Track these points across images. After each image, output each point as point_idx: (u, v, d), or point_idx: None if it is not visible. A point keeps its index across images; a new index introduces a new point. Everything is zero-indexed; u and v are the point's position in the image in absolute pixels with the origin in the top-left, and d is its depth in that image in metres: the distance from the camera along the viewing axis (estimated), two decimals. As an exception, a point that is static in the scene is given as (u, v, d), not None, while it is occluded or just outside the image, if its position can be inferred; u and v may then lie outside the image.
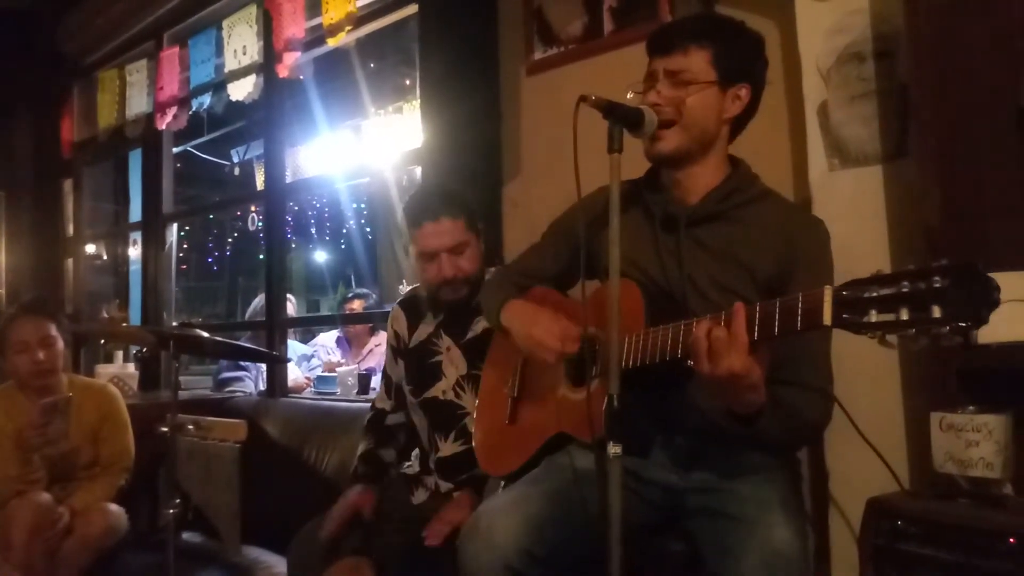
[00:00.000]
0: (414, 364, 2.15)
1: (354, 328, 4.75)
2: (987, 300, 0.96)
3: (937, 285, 0.99)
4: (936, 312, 0.98)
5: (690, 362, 1.32)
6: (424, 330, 2.15)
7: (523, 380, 1.79)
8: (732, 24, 1.59)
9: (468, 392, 2.03)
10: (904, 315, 1.01)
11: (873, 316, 1.04)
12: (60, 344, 2.81)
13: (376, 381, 3.67)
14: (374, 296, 5.30)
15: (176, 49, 4.19)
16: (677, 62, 1.52)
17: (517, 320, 1.65)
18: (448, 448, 2.03)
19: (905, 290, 1.02)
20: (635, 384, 1.35)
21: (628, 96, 1.52)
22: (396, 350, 2.22)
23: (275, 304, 3.76)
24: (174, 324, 4.25)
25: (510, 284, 1.82)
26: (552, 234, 1.85)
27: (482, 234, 2.05)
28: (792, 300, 1.17)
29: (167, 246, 4.48)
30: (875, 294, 1.05)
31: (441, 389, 2.07)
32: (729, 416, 1.34)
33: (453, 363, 2.07)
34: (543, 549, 1.43)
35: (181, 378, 2.46)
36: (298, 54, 3.49)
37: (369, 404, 2.36)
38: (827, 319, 1.10)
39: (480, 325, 2.03)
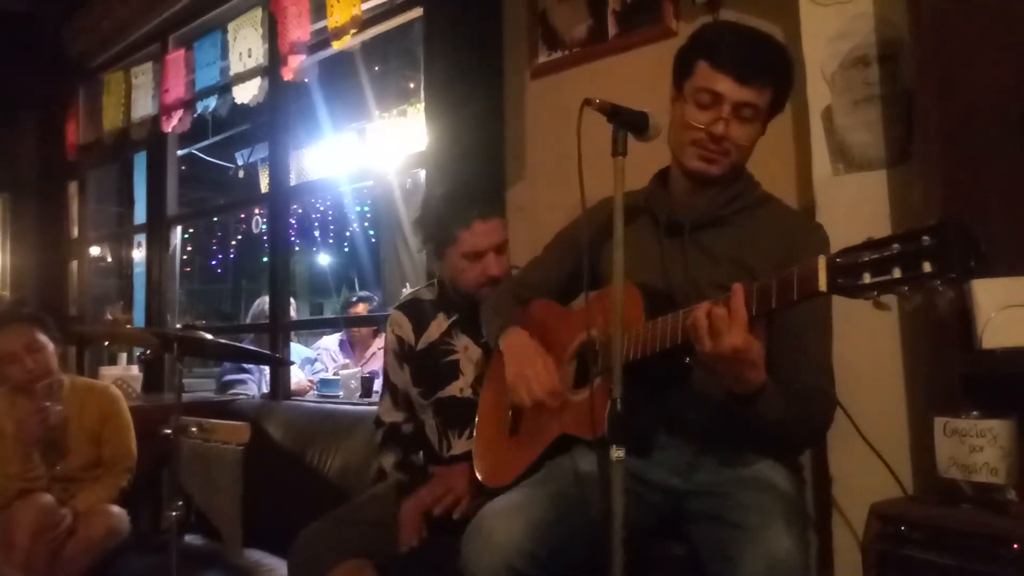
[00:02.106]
0: (424, 366, 2.14)
1: (358, 331, 4.75)
2: (974, 251, 1.00)
3: (926, 243, 1.02)
4: (927, 267, 1.02)
5: (688, 359, 1.34)
6: (435, 330, 2.14)
7: None
8: (790, 59, 1.59)
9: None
10: (897, 274, 1.05)
11: (867, 278, 1.08)
12: (49, 347, 2.80)
13: (378, 384, 3.67)
14: (377, 299, 5.30)
15: (181, 52, 4.20)
16: (751, 95, 1.51)
17: (513, 353, 1.70)
18: (461, 446, 2.03)
19: (896, 251, 1.05)
20: (638, 385, 1.36)
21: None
22: (400, 355, 2.19)
23: (279, 307, 3.77)
24: (178, 326, 4.26)
25: (512, 299, 1.85)
26: (555, 247, 1.88)
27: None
28: (788, 273, 1.21)
29: (171, 248, 4.49)
30: (868, 258, 1.09)
31: (459, 387, 2.06)
32: (731, 398, 1.37)
33: (472, 361, 2.06)
34: (545, 550, 1.43)
35: (184, 380, 2.46)
36: (303, 57, 3.49)
37: (372, 406, 2.35)
38: (823, 285, 1.14)
39: None
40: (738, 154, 1.56)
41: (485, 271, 1.99)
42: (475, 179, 2.61)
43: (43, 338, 2.79)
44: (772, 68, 1.53)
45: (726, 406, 1.39)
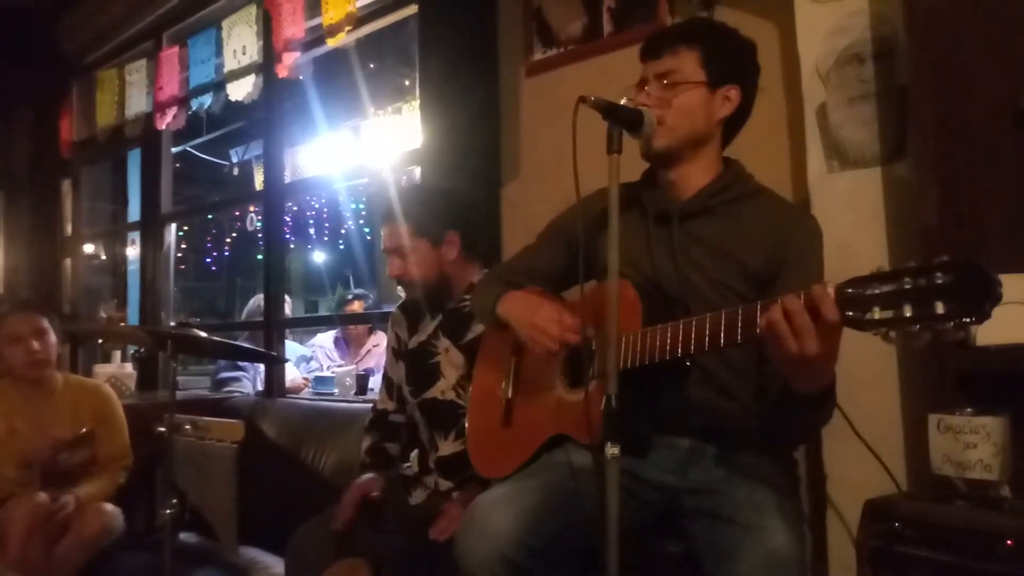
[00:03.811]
0: (413, 365, 2.17)
1: (354, 329, 4.74)
2: (989, 295, 0.97)
3: (939, 281, 0.99)
4: (940, 308, 0.99)
5: (688, 362, 1.31)
6: (423, 331, 2.17)
7: (516, 381, 1.77)
8: (722, 27, 1.64)
9: (467, 392, 2.03)
10: (908, 312, 1.02)
11: (876, 313, 1.05)
12: (53, 338, 2.83)
13: (374, 382, 3.67)
14: (372, 297, 5.30)
15: (175, 49, 4.19)
16: (665, 64, 1.57)
17: (517, 309, 1.65)
18: (448, 447, 2.04)
19: (908, 287, 1.02)
20: (633, 384, 1.35)
21: (622, 101, 1.54)
22: (397, 352, 2.25)
23: (273, 304, 3.76)
24: (172, 324, 4.25)
25: (503, 282, 1.82)
26: (548, 235, 1.85)
27: (444, 241, 2.07)
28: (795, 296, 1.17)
29: (165, 246, 4.48)
30: (878, 291, 1.05)
31: (440, 389, 2.08)
32: (799, 401, 1.30)
33: (453, 364, 2.08)
34: (540, 540, 1.42)
35: (178, 378, 2.45)
36: (297, 54, 3.48)
37: (367, 404, 2.36)
38: None
39: (479, 327, 2.04)
40: (675, 120, 1.54)
41: (389, 269, 2.15)
42: (470, 176, 2.60)
43: (49, 327, 2.83)
44: (683, 33, 1.60)
45: (790, 413, 1.37)
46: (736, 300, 1.37)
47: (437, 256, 2.08)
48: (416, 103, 3.52)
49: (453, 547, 1.48)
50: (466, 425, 1.91)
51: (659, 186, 1.66)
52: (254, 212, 7.69)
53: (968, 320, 0.97)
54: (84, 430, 2.75)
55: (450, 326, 2.11)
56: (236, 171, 7.60)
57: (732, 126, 1.63)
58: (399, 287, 2.20)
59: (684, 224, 1.58)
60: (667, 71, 1.56)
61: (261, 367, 3.97)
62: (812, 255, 1.51)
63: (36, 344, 2.76)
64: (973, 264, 0.98)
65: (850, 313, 1.09)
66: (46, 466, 2.64)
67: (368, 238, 8.19)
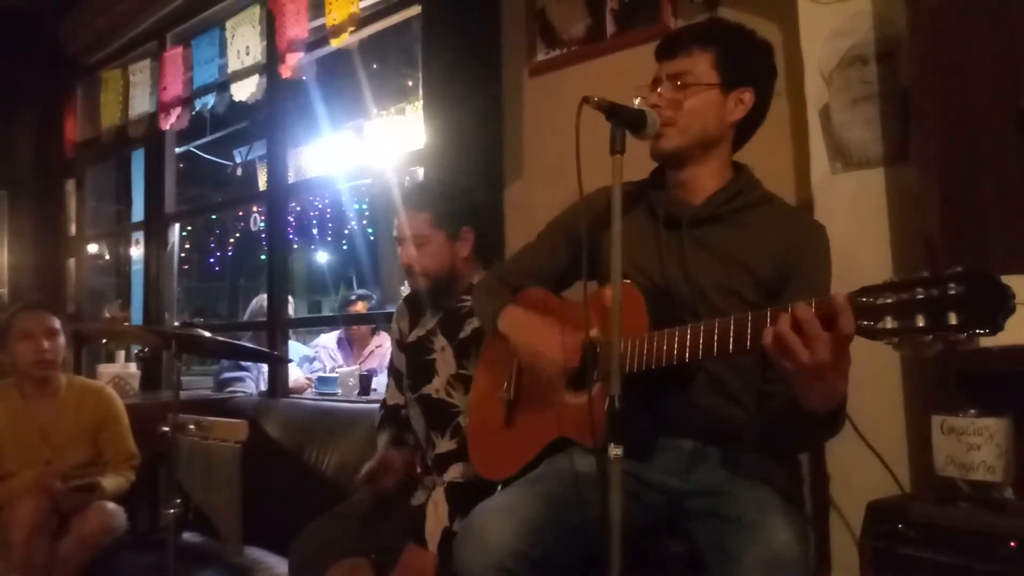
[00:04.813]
0: (411, 360, 2.18)
1: (356, 329, 4.75)
2: (1003, 306, 0.96)
3: (952, 292, 0.99)
4: (953, 319, 0.98)
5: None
6: (423, 327, 2.18)
7: (519, 383, 1.77)
8: (739, 29, 1.62)
9: (458, 391, 2.05)
10: (920, 322, 1.02)
11: (889, 323, 1.05)
12: (63, 340, 2.85)
13: (377, 383, 3.67)
14: (376, 297, 5.30)
15: (179, 49, 4.20)
16: (679, 65, 1.55)
17: (517, 329, 1.64)
18: (444, 445, 2.04)
19: (920, 297, 1.02)
20: (637, 387, 1.35)
21: (636, 102, 1.53)
22: (399, 344, 2.26)
23: (277, 304, 3.77)
24: (176, 324, 4.26)
25: (503, 285, 1.82)
26: (550, 233, 1.84)
27: (460, 237, 2.10)
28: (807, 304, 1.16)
29: (169, 246, 4.48)
30: (890, 300, 1.05)
31: (434, 387, 2.09)
32: (809, 420, 1.29)
33: (446, 362, 2.09)
34: (538, 550, 1.42)
35: (182, 378, 2.46)
36: (301, 55, 3.49)
37: (370, 404, 2.36)
38: None
39: (471, 327, 2.05)
40: (686, 121, 1.53)
41: (400, 258, 2.12)
42: (474, 177, 2.60)
43: (60, 330, 2.84)
44: (698, 34, 1.59)
45: (796, 426, 1.35)
46: (746, 307, 1.36)
47: (451, 250, 2.09)
48: (419, 104, 3.53)
49: (452, 554, 1.48)
50: (467, 425, 1.91)
51: (668, 187, 1.64)
52: (257, 212, 7.71)
53: (981, 332, 0.97)
54: (97, 480, 2.75)
55: (448, 325, 2.12)
56: (239, 171, 7.63)
57: (745, 129, 1.62)
58: (406, 279, 2.18)
59: (694, 230, 1.56)
60: (680, 72, 1.54)
61: (264, 367, 3.97)
62: (822, 268, 1.51)
63: (46, 343, 2.76)
64: (986, 275, 0.98)
65: (863, 322, 1.08)
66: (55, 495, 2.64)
67: (372, 239, 8.20)
